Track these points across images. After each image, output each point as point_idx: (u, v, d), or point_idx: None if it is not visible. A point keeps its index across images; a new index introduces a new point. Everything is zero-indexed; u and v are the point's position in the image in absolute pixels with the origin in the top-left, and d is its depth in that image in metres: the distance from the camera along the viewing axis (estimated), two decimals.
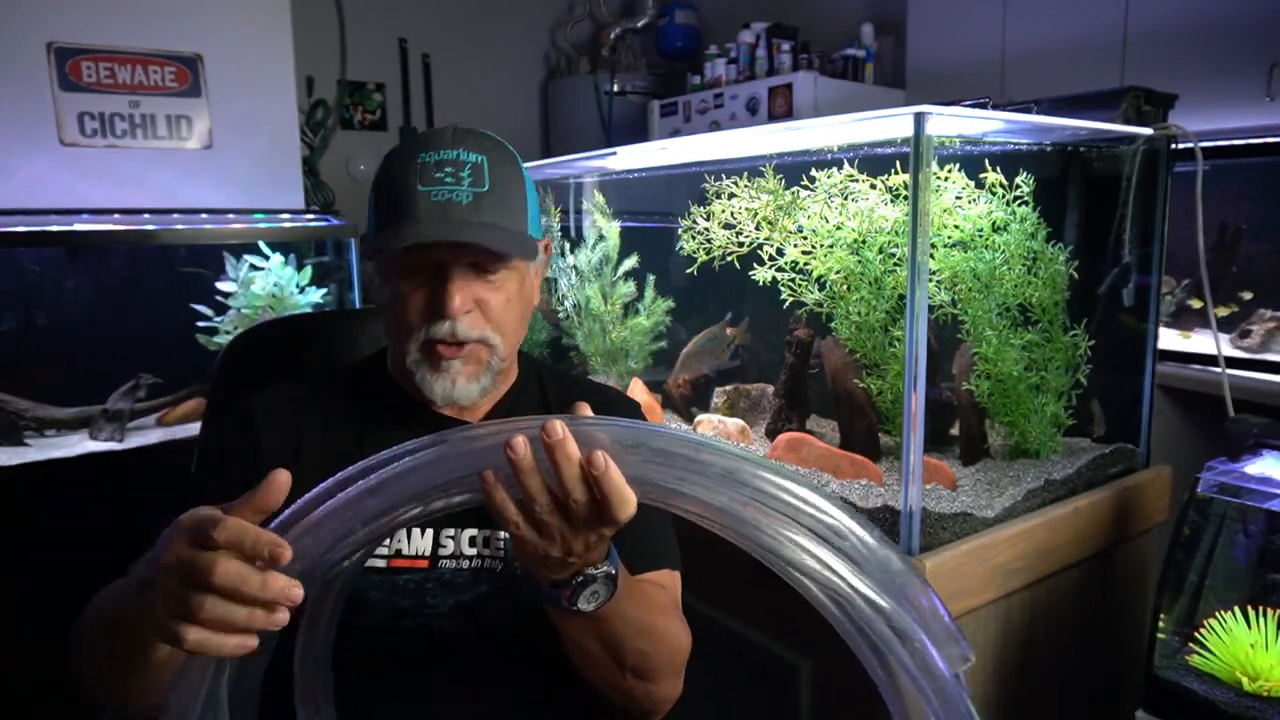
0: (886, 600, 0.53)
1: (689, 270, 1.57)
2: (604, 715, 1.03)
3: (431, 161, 0.85)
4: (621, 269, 1.97)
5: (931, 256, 1.37)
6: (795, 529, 0.54)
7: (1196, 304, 2.15)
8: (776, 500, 0.55)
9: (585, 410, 0.61)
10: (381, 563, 0.88)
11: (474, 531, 0.90)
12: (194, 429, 2.05)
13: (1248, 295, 2.12)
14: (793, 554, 0.54)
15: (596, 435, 0.57)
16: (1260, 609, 1.20)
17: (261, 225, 2.29)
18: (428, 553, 0.89)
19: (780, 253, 1.47)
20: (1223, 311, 2.10)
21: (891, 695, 0.55)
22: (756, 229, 1.50)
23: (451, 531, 0.90)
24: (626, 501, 0.57)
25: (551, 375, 1.05)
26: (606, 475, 0.56)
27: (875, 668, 0.55)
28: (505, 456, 0.56)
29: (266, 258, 2.24)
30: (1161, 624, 1.28)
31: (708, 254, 1.54)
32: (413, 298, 0.86)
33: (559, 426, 0.56)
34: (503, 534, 0.90)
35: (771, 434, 1.69)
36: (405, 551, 0.89)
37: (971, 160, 1.40)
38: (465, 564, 0.89)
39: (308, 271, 2.31)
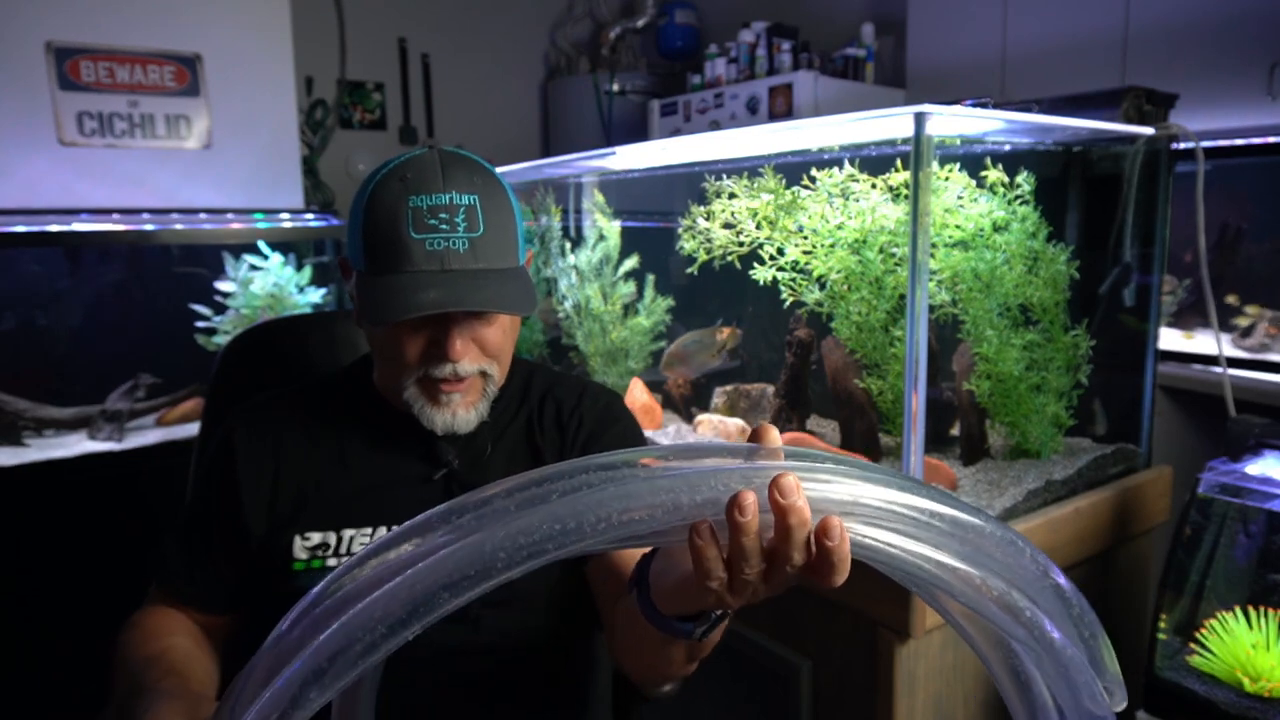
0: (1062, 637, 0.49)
1: (689, 270, 1.57)
2: (598, 711, 1.03)
3: (424, 207, 0.83)
4: (622, 269, 1.97)
5: (932, 256, 1.37)
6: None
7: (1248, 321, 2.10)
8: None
9: (773, 438, 0.51)
10: None
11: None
12: (193, 429, 2.05)
13: (1232, 299, 2.12)
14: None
15: (822, 487, 0.47)
16: (1261, 609, 1.20)
17: (261, 225, 2.29)
18: None
19: (781, 252, 1.47)
20: (1244, 321, 2.10)
21: None
22: (757, 228, 1.49)
23: None
24: (846, 571, 0.49)
25: (543, 377, 1.04)
26: (839, 548, 0.47)
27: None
28: (728, 517, 0.47)
29: (266, 258, 2.24)
30: (1162, 624, 1.28)
31: (708, 254, 1.54)
32: (409, 340, 0.87)
33: (793, 484, 0.46)
34: None
35: None
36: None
37: (972, 160, 1.40)
38: None
39: (307, 271, 2.31)
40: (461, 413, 0.89)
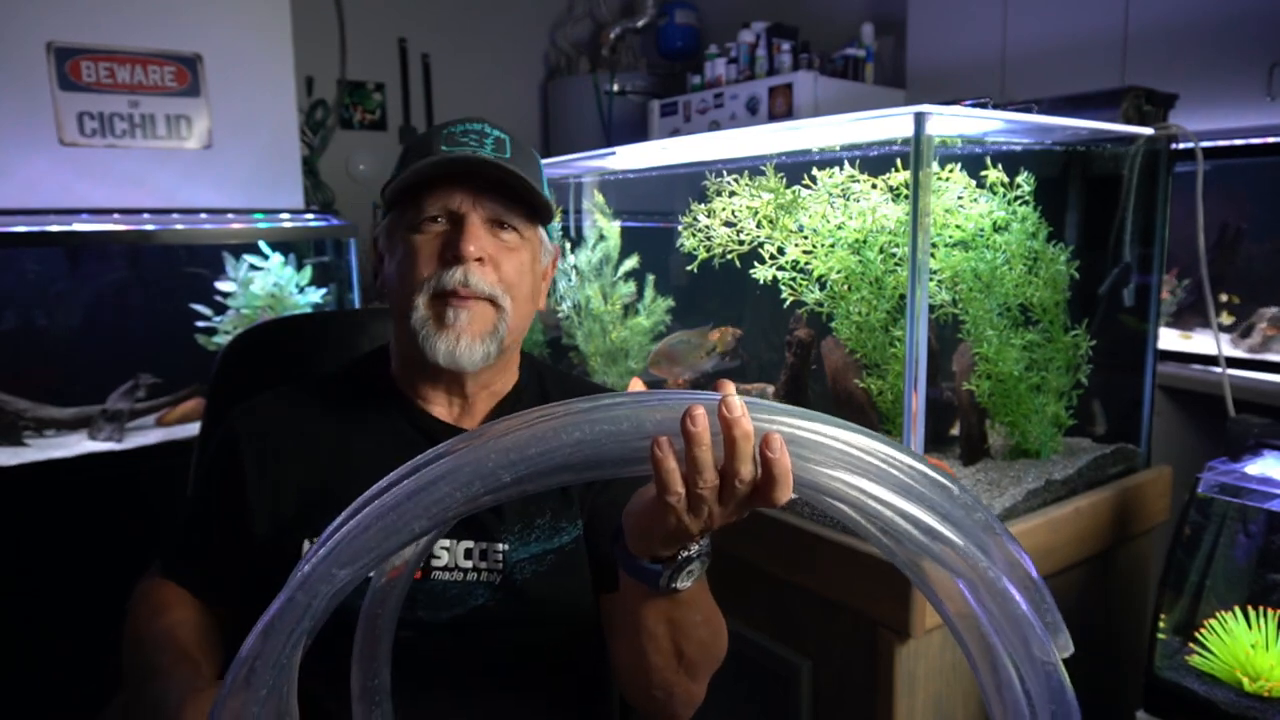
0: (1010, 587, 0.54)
1: (689, 268, 1.57)
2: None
3: (458, 131, 0.87)
4: (622, 269, 1.97)
5: (932, 256, 1.37)
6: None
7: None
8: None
9: (728, 386, 0.57)
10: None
11: (470, 544, 0.88)
12: (193, 429, 2.05)
13: (1225, 298, 2.12)
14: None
15: (770, 416, 0.55)
16: (1260, 609, 1.20)
17: (261, 225, 2.29)
18: (420, 563, 0.87)
19: (781, 251, 1.47)
20: (1227, 319, 2.10)
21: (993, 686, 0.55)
22: (758, 227, 1.49)
23: (447, 543, 0.88)
24: (789, 486, 0.55)
25: (553, 377, 1.03)
26: (780, 460, 0.54)
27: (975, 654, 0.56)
28: (682, 426, 0.54)
29: (266, 258, 2.24)
30: (1162, 624, 1.28)
31: (708, 251, 1.54)
32: (425, 249, 0.86)
33: (738, 403, 0.54)
34: (500, 546, 0.88)
35: None
36: (395, 561, 0.88)
37: (972, 160, 1.40)
38: (459, 576, 0.87)
39: (307, 271, 2.31)
40: (466, 340, 0.85)
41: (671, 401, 0.55)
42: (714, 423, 0.54)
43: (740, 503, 0.57)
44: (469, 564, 0.88)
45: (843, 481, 0.54)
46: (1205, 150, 1.45)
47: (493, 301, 0.87)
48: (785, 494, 0.55)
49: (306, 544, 0.87)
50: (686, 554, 0.67)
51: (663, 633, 0.76)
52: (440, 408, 0.93)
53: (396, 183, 0.86)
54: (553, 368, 1.07)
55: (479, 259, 0.85)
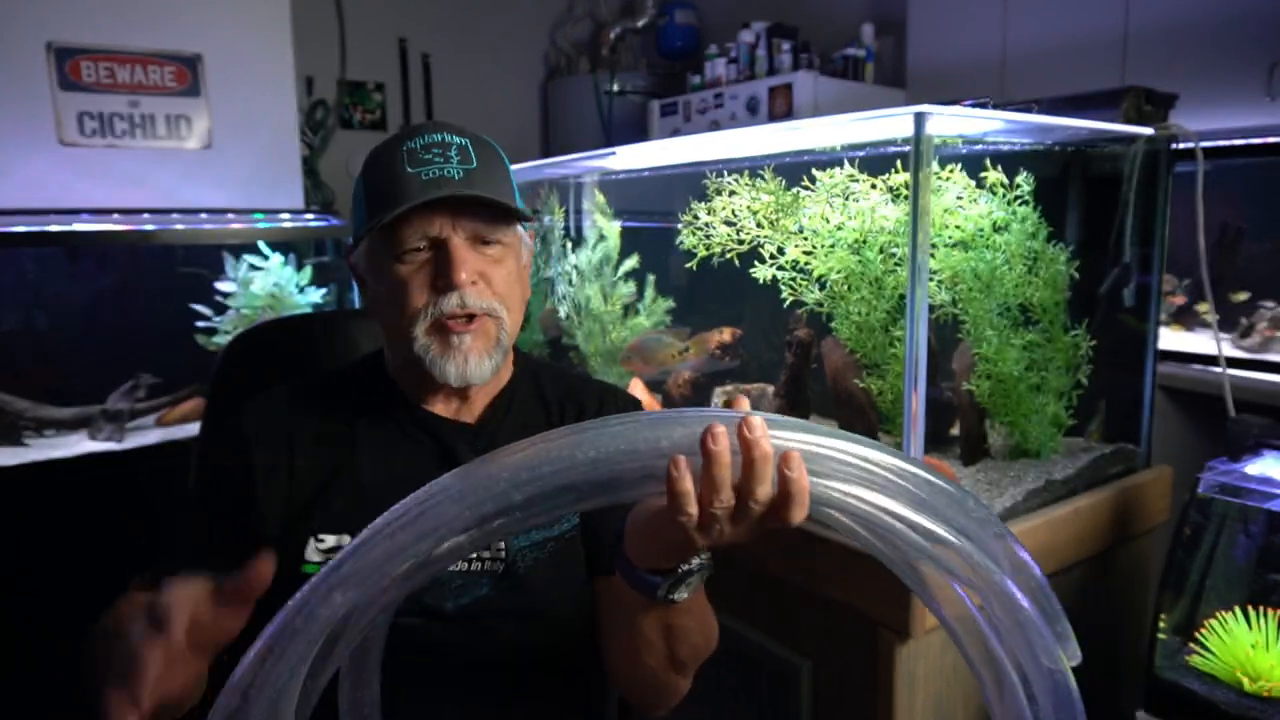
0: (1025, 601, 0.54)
1: (688, 265, 1.57)
2: (603, 717, 1.03)
3: (418, 146, 0.85)
4: (622, 269, 1.97)
5: (932, 256, 1.37)
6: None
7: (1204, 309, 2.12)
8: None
9: (744, 403, 0.57)
10: None
11: (475, 531, 0.89)
12: (193, 429, 2.05)
13: (1242, 297, 2.12)
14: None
15: (786, 434, 0.54)
16: (1261, 609, 1.20)
17: (261, 225, 2.29)
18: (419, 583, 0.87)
19: (781, 251, 1.47)
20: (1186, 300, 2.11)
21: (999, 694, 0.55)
22: (757, 226, 1.49)
23: None
24: (806, 505, 0.55)
25: (547, 371, 1.04)
26: (798, 479, 0.54)
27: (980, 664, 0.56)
28: (702, 445, 0.53)
29: (266, 258, 2.24)
30: (1162, 624, 1.28)
31: (707, 249, 1.54)
32: (414, 279, 0.86)
33: (759, 422, 0.53)
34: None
35: None
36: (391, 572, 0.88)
37: (972, 160, 1.40)
38: (464, 566, 0.88)
39: (307, 271, 2.31)
40: (474, 359, 0.87)
41: (688, 419, 0.54)
42: (732, 440, 0.53)
43: (753, 523, 0.57)
44: (473, 554, 0.88)
45: (856, 497, 0.54)
46: (1205, 150, 1.45)
47: (491, 315, 0.88)
48: (801, 514, 0.55)
49: (312, 541, 0.88)
50: (686, 568, 0.67)
51: (658, 638, 0.77)
52: (440, 405, 0.95)
53: (374, 221, 0.85)
54: (545, 362, 1.08)
55: (473, 282, 0.86)
